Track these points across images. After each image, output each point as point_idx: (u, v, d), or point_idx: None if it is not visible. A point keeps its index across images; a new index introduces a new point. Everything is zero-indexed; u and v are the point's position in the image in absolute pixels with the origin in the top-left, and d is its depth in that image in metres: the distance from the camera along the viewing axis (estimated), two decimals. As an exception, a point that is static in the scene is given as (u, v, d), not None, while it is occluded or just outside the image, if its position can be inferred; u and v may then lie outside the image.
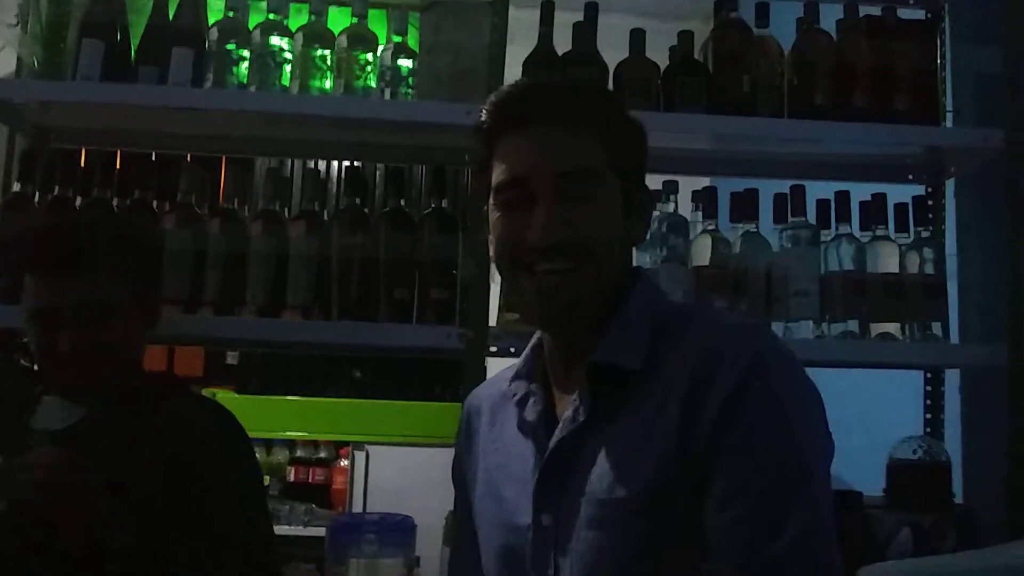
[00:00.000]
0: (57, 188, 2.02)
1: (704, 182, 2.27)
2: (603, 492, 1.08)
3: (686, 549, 1.04)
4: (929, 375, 2.26)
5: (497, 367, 2.05)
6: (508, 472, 1.22)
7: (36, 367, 1.71)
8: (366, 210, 2.10)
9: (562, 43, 2.10)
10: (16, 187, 2.04)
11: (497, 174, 1.18)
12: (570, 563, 1.10)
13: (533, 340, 1.28)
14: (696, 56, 2.15)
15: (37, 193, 2.03)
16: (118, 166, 2.13)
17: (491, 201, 1.20)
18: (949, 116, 2.25)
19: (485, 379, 1.94)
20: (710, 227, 2.06)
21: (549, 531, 1.13)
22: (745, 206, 2.08)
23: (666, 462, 1.05)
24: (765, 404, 1.04)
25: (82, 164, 2.14)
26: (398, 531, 1.81)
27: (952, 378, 2.24)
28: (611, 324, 1.15)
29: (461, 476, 1.34)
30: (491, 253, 1.21)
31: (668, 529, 1.05)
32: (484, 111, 1.20)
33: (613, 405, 1.12)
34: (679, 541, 1.05)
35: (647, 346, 1.13)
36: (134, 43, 2.10)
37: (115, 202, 2.04)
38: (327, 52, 2.08)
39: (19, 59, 2.24)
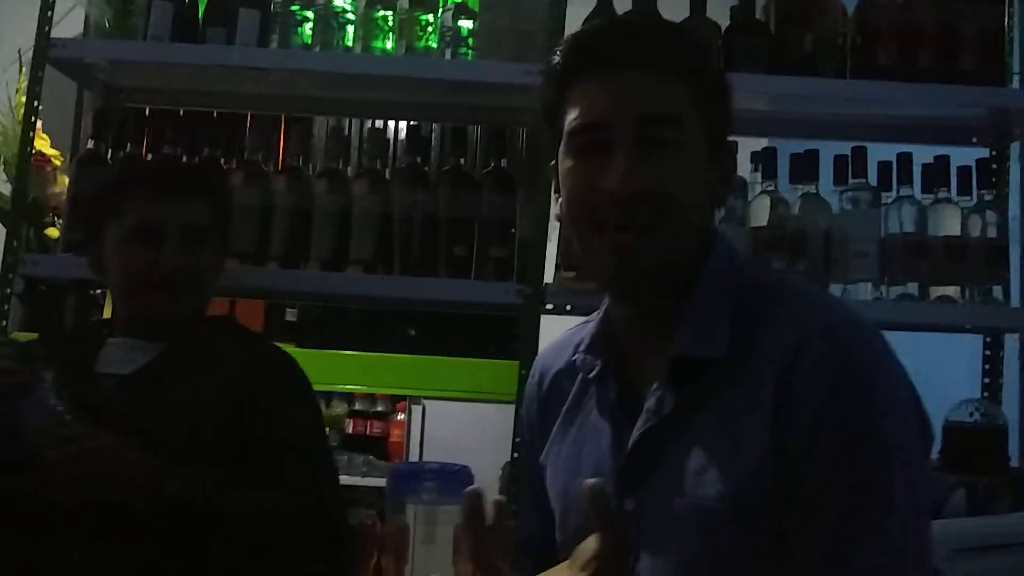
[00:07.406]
0: (129, 146, 2.09)
1: (763, 143, 2.26)
2: (691, 496, 1.02)
3: (772, 564, 0.98)
4: (988, 339, 2.24)
5: (552, 325, 2.08)
6: (585, 452, 1.15)
7: (111, 307, 1.78)
8: (426, 169, 2.14)
9: (622, 3, 2.10)
10: (89, 144, 2.11)
11: (571, 119, 1.09)
12: (651, 560, 1.04)
13: (600, 312, 1.19)
14: (758, 16, 2.14)
15: (109, 151, 2.09)
16: (185, 124, 2.19)
17: (562, 149, 1.10)
18: (1015, 78, 2.20)
19: (538, 336, 1.98)
20: (769, 188, 2.05)
21: (631, 516, 1.06)
22: (805, 167, 2.07)
23: (755, 466, 0.99)
24: (856, 412, 0.97)
25: (150, 122, 2.20)
26: (456, 480, 1.86)
27: (1012, 342, 2.22)
28: (690, 305, 1.06)
29: (531, 442, 1.28)
30: (559, 208, 1.12)
31: (755, 541, 0.99)
32: (557, 52, 1.11)
33: (699, 394, 1.04)
34: (766, 555, 0.98)
35: (729, 333, 1.04)
36: (202, 4, 2.15)
37: (184, 159, 2.10)
38: (389, 13, 2.11)
39: (87, 19, 2.30)
